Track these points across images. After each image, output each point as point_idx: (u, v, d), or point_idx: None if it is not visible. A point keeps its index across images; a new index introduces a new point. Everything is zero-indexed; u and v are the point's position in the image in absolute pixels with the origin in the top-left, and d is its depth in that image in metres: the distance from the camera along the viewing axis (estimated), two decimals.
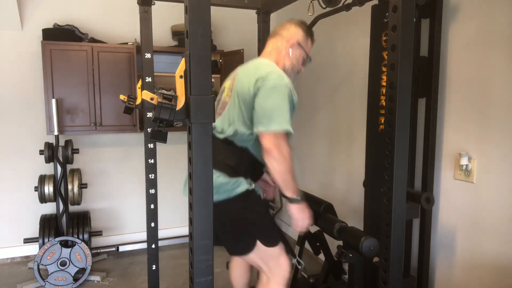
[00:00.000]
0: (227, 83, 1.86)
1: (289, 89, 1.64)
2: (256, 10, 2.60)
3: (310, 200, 2.40)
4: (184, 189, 1.78)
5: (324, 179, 3.28)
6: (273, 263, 1.78)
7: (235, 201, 1.69)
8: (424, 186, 2.07)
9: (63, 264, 2.90)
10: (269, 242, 1.73)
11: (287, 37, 1.82)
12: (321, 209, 2.25)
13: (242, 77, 1.73)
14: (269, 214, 1.98)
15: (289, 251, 2.25)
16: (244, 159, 1.68)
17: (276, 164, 1.59)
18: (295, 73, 1.88)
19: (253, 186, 1.73)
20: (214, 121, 1.78)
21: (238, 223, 1.73)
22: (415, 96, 2.08)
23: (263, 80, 1.61)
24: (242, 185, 1.71)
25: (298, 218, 1.71)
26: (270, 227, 1.83)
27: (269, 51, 1.86)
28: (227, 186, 1.68)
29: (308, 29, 1.88)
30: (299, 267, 2.21)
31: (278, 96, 1.59)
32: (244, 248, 1.75)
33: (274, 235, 1.79)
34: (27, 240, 3.09)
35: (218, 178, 1.68)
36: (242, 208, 1.71)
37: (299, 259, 2.21)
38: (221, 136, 1.74)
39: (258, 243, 1.72)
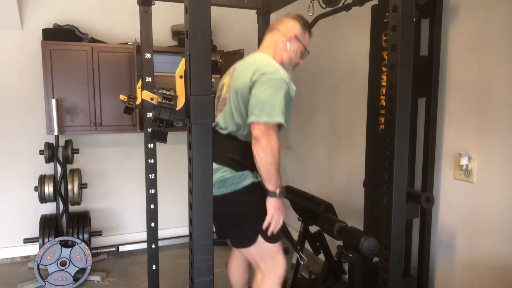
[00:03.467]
0: (225, 79, 1.87)
1: (285, 82, 1.65)
2: (256, 10, 2.60)
3: (310, 200, 2.41)
4: None
5: (324, 179, 3.28)
6: (269, 260, 1.79)
7: (241, 194, 1.71)
8: (424, 186, 2.07)
9: (63, 264, 2.90)
10: (270, 238, 1.74)
11: (284, 31, 1.83)
12: (321, 209, 2.25)
13: (240, 72, 1.75)
14: None
15: (293, 245, 2.26)
16: (249, 153, 1.67)
17: (263, 154, 1.59)
18: (293, 66, 1.89)
19: (259, 179, 1.73)
20: (214, 121, 1.80)
21: (242, 215, 1.75)
22: (415, 96, 2.08)
23: (258, 73, 1.63)
24: (248, 178, 1.73)
25: (272, 214, 1.68)
26: None
27: (266, 45, 1.87)
28: (234, 179, 1.70)
29: (305, 23, 1.88)
30: (301, 262, 2.20)
31: (272, 89, 1.60)
32: (246, 241, 1.77)
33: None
34: (27, 240, 3.09)
35: (225, 173, 1.71)
36: (248, 201, 1.73)
37: (301, 254, 2.21)
38: (224, 132, 1.75)
39: (259, 237, 1.73)
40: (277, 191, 1.66)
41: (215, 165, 1.71)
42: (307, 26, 1.89)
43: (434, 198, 1.97)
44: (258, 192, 1.71)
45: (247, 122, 1.64)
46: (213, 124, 1.78)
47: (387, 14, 1.62)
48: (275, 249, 1.79)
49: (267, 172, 1.63)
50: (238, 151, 1.72)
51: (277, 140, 1.62)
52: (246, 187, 1.72)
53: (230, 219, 1.75)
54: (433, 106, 2.02)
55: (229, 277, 2.16)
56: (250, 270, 2.11)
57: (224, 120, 1.76)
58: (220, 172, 1.71)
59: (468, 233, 1.97)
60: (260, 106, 1.59)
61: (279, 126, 1.64)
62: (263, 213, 1.69)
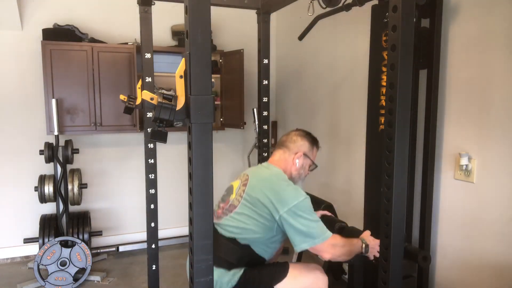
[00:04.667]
0: (235, 184, 1.94)
1: (303, 195, 1.76)
2: (256, 10, 2.60)
3: (310, 200, 2.41)
4: None
5: (324, 179, 3.28)
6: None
7: (242, 280, 1.78)
8: (424, 186, 2.07)
9: (63, 264, 2.90)
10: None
11: (293, 150, 1.96)
12: (321, 209, 2.25)
13: (255, 184, 1.83)
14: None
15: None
16: (245, 256, 1.79)
17: (342, 257, 1.78)
18: (301, 179, 2.02)
19: (247, 274, 1.79)
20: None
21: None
22: (415, 96, 2.08)
23: (285, 207, 1.71)
24: (241, 270, 1.80)
25: (374, 246, 1.82)
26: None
27: (276, 160, 1.98)
28: (226, 278, 1.77)
29: (313, 140, 2.03)
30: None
31: (305, 213, 1.73)
32: None
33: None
34: (27, 240, 3.09)
35: (216, 273, 1.74)
36: (252, 278, 1.79)
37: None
38: (227, 234, 1.81)
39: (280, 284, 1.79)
40: (364, 245, 1.81)
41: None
42: (315, 142, 2.04)
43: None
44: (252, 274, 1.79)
45: (298, 250, 1.74)
46: (216, 223, 1.88)
47: (387, 14, 1.62)
48: (306, 279, 1.84)
49: (352, 253, 1.79)
50: (234, 255, 1.79)
51: (337, 241, 1.75)
52: (242, 275, 1.78)
53: None
54: (433, 107, 2.02)
55: None
56: None
57: (231, 225, 1.81)
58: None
59: (468, 233, 1.97)
60: (308, 234, 1.71)
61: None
62: (267, 276, 1.78)
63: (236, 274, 1.76)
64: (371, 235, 1.88)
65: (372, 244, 1.81)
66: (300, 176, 1.98)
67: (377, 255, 1.81)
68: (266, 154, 2.62)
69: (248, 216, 1.77)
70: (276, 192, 1.75)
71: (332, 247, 1.72)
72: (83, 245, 2.93)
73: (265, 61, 2.57)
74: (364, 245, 1.81)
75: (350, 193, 2.92)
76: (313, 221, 1.73)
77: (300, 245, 1.71)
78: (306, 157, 1.97)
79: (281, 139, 2.05)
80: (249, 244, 1.79)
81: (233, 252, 1.78)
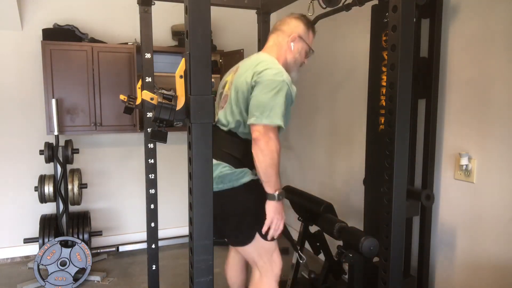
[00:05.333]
0: (228, 77, 1.87)
1: (287, 84, 1.64)
2: (256, 10, 2.60)
3: (310, 200, 2.41)
4: None
5: (324, 179, 3.28)
6: (267, 258, 1.79)
7: (240, 191, 1.71)
8: (424, 186, 2.07)
9: (63, 264, 2.90)
10: (267, 236, 1.74)
11: (288, 32, 1.83)
12: (321, 209, 2.25)
13: (242, 71, 1.75)
14: None
15: (293, 245, 2.25)
16: (249, 151, 1.66)
17: (262, 155, 1.59)
18: (298, 66, 1.89)
19: (257, 177, 1.71)
20: (214, 121, 1.80)
21: (240, 213, 1.74)
22: (415, 96, 2.08)
23: (260, 75, 1.63)
24: (247, 175, 1.73)
25: (272, 218, 1.67)
26: None
27: (270, 46, 1.86)
28: (232, 176, 1.70)
29: (309, 22, 1.88)
30: (301, 261, 2.20)
31: (273, 91, 1.60)
32: (243, 239, 1.76)
33: None
34: (27, 240, 3.09)
35: (224, 168, 1.71)
36: (246, 198, 1.73)
37: (300, 253, 2.21)
38: (225, 128, 1.76)
39: (257, 235, 1.73)
40: (277, 194, 1.65)
41: (214, 161, 1.71)
42: (311, 25, 1.89)
43: (434, 196, 1.98)
44: (256, 190, 1.70)
45: (247, 123, 1.64)
46: (215, 121, 1.79)
47: (387, 14, 1.62)
48: (272, 246, 1.79)
49: (266, 174, 1.62)
50: (238, 148, 1.73)
51: (277, 143, 1.61)
52: (245, 184, 1.71)
53: (228, 216, 1.75)
54: (433, 107, 2.02)
55: (226, 277, 2.16)
56: (247, 270, 2.11)
57: (225, 117, 1.76)
58: (220, 168, 1.71)
59: (468, 233, 1.97)
60: (260, 108, 1.59)
61: (279, 129, 1.63)
62: (261, 211, 1.68)
63: (240, 178, 1.70)
64: (369, 235, 1.87)
65: (278, 207, 1.66)
66: (296, 62, 1.85)
67: (272, 231, 1.70)
68: None
69: (238, 106, 1.70)
70: (257, 69, 1.65)
71: (269, 138, 1.57)
72: (83, 245, 2.93)
73: None
74: (280, 191, 1.66)
75: (350, 193, 2.92)
76: (274, 100, 1.58)
77: (249, 119, 1.61)
78: (301, 41, 1.83)
79: (275, 24, 1.91)
80: (248, 138, 1.68)
81: (236, 146, 1.71)
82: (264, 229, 1.68)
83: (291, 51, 1.82)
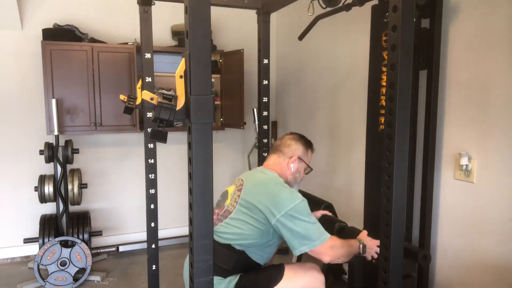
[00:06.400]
0: (230, 189, 1.93)
1: (300, 198, 1.75)
2: (256, 10, 2.60)
3: (310, 200, 2.41)
4: None
5: (324, 179, 3.28)
6: None
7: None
8: (424, 186, 2.07)
9: (63, 264, 2.90)
10: None
11: (288, 154, 1.95)
12: (321, 209, 2.25)
13: (250, 189, 1.83)
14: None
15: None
16: (241, 262, 1.77)
17: (341, 259, 1.76)
18: (297, 183, 2.00)
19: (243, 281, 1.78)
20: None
21: None
22: (415, 96, 2.08)
23: (280, 206, 1.71)
24: (237, 277, 1.78)
25: (372, 246, 1.83)
26: None
27: (271, 164, 1.97)
28: (222, 285, 1.75)
29: (307, 142, 2.01)
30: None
31: (303, 215, 1.71)
32: None
33: None
34: (27, 240, 3.09)
35: (215, 281, 1.74)
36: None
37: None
38: (221, 241, 1.79)
39: None
40: (361, 246, 1.81)
41: None
42: (309, 145, 2.01)
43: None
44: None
45: (298, 253, 1.72)
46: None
47: (387, 14, 1.62)
48: None
49: (351, 254, 1.79)
50: (230, 261, 1.77)
51: (335, 242, 1.73)
52: (237, 282, 1.76)
53: None
54: (433, 107, 2.02)
55: None
56: None
57: (226, 231, 1.80)
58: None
59: (468, 233, 1.97)
60: (307, 236, 1.69)
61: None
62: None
63: (232, 281, 1.75)
64: (369, 235, 1.88)
65: (370, 245, 1.81)
66: (295, 180, 1.97)
67: (375, 255, 1.81)
68: (266, 154, 2.62)
69: (243, 221, 1.76)
70: (272, 196, 1.74)
71: (331, 249, 1.71)
72: (83, 245, 2.93)
73: (265, 61, 2.56)
74: (361, 245, 1.80)
75: (350, 193, 2.92)
76: (311, 223, 1.72)
77: (299, 248, 1.69)
78: (301, 161, 1.96)
79: (275, 143, 2.04)
80: (244, 250, 1.77)
81: (228, 258, 1.76)
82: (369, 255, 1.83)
83: (291, 172, 1.94)
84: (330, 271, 2.41)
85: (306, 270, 1.83)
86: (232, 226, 1.78)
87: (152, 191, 2.51)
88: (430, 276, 2.15)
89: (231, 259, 1.76)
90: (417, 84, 2.08)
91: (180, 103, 1.06)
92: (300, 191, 2.56)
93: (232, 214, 1.80)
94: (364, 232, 1.89)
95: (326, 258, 1.72)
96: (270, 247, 1.82)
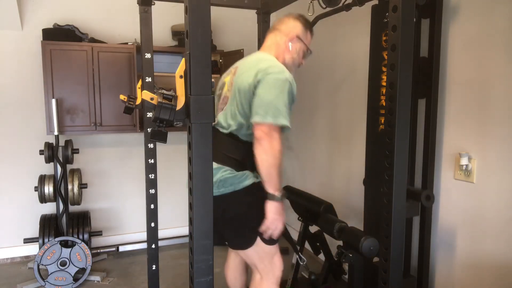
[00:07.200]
0: (227, 78, 1.86)
1: (289, 83, 1.63)
2: (256, 10, 2.60)
3: (310, 200, 2.41)
4: None
5: (324, 179, 3.28)
6: (268, 261, 1.79)
7: (241, 194, 1.69)
8: (424, 186, 2.07)
9: (63, 264, 2.90)
10: (268, 240, 1.73)
11: (285, 31, 1.82)
12: (321, 209, 2.25)
13: (242, 71, 1.73)
14: None
15: (293, 246, 2.25)
16: (250, 153, 1.64)
17: (264, 155, 1.58)
18: (295, 66, 1.88)
19: (259, 179, 1.70)
20: (215, 121, 1.79)
21: (241, 217, 1.73)
22: (415, 96, 2.08)
23: (263, 73, 1.61)
24: (249, 178, 1.70)
25: (272, 218, 1.65)
26: None
27: (268, 45, 1.85)
28: (234, 179, 1.68)
29: (307, 22, 1.87)
30: (301, 263, 2.20)
31: (278, 90, 1.59)
32: (244, 243, 1.75)
33: None
34: (27, 240, 3.09)
35: (225, 172, 1.69)
36: (247, 202, 1.71)
37: (301, 255, 2.21)
38: (225, 131, 1.74)
39: (258, 239, 1.72)
40: (278, 194, 1.64)
41: (215, 165, 1.69)
42: (309, 25, 1.88)
43: (434, 196, 1.97)
44: (258, 193, 1.68)
45: (251, 121, 1.62)
46: (214, 122, 1.77)
47: (387, 14, 1.62)
48: (273, 250, 1.78)
49: (268, 174, 1.61)
50: (239, 151, 1.71)
51: (280, 142, 1.60)
52: (246, 187, 1.69)
53: (229, 220, 1.73)
54: (433, 107, 2.02)
55: (226, 279, 2.15)
56: (247, 271, 2.11)
57: (226, 119, 1.74)
58: (221, 172, 1.69)
59: (468, 233, 1.97)
60: (265, 106, 1.58)
61: (283, 129, 1.62)
62: (263, 214, 1.67)
63: (243, 181, 1.68)
64: (369, 235, 1.87)
65: (271, 215, 1.64)
66: (294, 62, 1.84)
67: (271, 231, 1.68)
68: None
69: (237, 103, 1.68)
70: (259, 68, 1.63)
71: (272, 137, 1.56)
72: (83, 245, 2.93)
73: None
74: (279, 193, 1.64)
75: (350, 193, 2.92)
76: (281, 99, 1.58)
77: (252, 117, 1.59)
78: (299, 41, 1.82)
79: (273, 24, 1.91)
80: (237, 133, 1.69)
81: (237, 148, 1.69)
82: (262, 229, 1.67)
83: (289, 51, 1.81)
84: (330, 271, 2.42)
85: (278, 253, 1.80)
86: (231, 115, 1.71)
87: (152, 191, 2.52)
88: (430, 276, 2.15)
89: (241, 149, 1.69)
90: (417, 85, 2.08)
91: (180, 103, 1.07)
92: (300, 191, 2.57)
93: (230, 100, 1.74)
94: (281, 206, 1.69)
95: (259, 143, 1.57)
96: None
